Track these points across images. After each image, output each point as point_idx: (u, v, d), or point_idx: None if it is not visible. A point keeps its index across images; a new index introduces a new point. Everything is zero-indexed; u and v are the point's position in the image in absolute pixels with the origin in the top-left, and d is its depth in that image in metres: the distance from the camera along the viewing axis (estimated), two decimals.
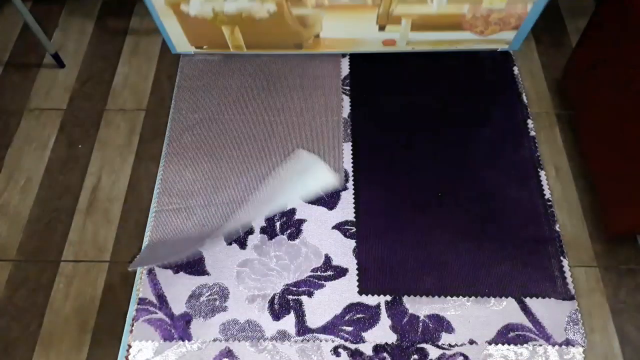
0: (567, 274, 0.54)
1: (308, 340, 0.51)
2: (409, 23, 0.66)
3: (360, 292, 0.53)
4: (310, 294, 0.53)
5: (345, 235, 0.57)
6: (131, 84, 1.56)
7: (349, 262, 0.55)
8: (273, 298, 0.53)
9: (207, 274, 0.55)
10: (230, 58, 0.72)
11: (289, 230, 0.57)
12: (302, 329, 0.51)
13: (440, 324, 0.52)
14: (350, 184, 0.61)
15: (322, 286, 0.54)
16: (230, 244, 0.56)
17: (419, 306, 0.53)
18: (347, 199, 0.60)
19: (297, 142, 0.64)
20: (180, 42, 0.70)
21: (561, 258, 0.55)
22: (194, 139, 0.65)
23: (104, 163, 1.41)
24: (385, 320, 0.52)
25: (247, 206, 0.56)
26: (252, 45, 0.70)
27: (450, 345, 0.51)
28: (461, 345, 0.51)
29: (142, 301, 0.53)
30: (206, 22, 0.65)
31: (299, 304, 0.53)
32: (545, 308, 0.53)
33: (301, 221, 0.58)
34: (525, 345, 0.51)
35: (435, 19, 0.65)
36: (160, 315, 0.52)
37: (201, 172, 0.62)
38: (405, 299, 0.53)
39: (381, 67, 0.71)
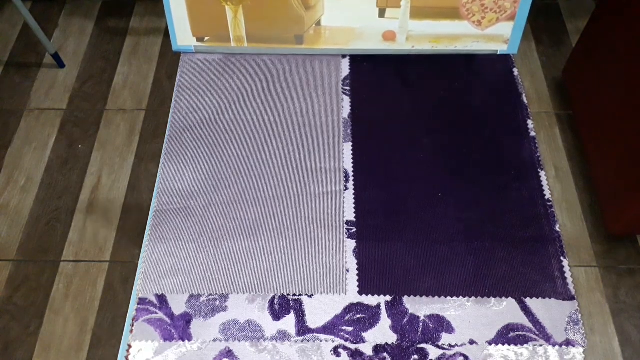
0: (567, 274, 0.54)
1: (308, 341, 0.51)
2: (408, 6, 0.67)
3: (360, 292, 0.53)
4: (310, 294, 0.53)
5: (346, 236, 0.57)
6: (131, 84, 1.56)
7: (350, 262, 0.55)
8: (273, 298, 0.53)
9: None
10: (230, 58, 0.72)
11: None
12: (302, 329, 0.51)
13: (441, 324, 0.52)
14: (350, 184, 0.61)
15: None
16: None
17: (419, 306, 0.53)
18: (348, 199, 0.60)
19: (297, 142, 0.64)
20: (182, 33, 0.70)
21: (561, 258, 0.55)
22: (194, 138, 0.65)
23: (104, 163, 1.41)
24: (385, 321, 0.52)
25: None
26: (253, 36, 0.71)
27: (450, 346, 0.51)
28: (461, 345, 0.51)
29: (142, 301, 0.53)
30: (211, 1, 0.67)
31: (299, 304, 0.53)
32: (545, 308, 0.53)
33: None
34: (525, 345, 0.51)
35: (434, 1, 0.67)
36: (160, 315, 0.52)
37: (201, 171, 0.62)
38: (405, 299, 0.53)
39: (381, 68, 0.71)
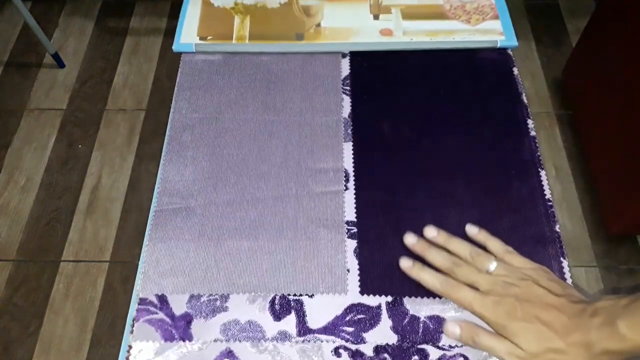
0: (567, 275, 0.54)
1: (309, 341, 0.51)
2: (399, 12, 0.74)
3: (361, 293, 0.53)
4: (311, 294, 0.53)
5: (346, 236, 0.57)
6: (131, 84, 1.56)
7: (350, 262, 0.55)
8: (274, 298, 0.53)
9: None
10: (230, 58, 0.72)
11: None
12: (303, 329, 0.51)
13: (441, 324, 0.52)
14: (351, 184, 0.61)
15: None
16: None
17: (420, 307, 0.53)
18: (348, 199, 0.60)
19: (297, 142, 0.64)
20: (188, 32, 0.73)
21: (561, 259, 0.55)
22: (194, 138, 0.65)
23: (104, 163, 1.41)
24: (386, 321, 0.52)
25: None
26: (256, 36, 0.72)
27: (450, 346, 0.51)
28: (461, 346, 0.51)
29: (142, 301, 0.53)
30: (224, 11, 0.74)
31: (300, 304, 0.53)
32: None
33: None
34: None
35: (421, 8, 0.75)
36: (161, 315, 0.52)
37: (201, 171, 0.62)
38: (406, 299, 0.53)
39: (381, 67, 0.71)
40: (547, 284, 0.49)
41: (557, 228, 0.57)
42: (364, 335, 0.51)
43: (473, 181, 0.61)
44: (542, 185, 0.61)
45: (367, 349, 0.51)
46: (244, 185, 0.61)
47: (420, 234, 0.57)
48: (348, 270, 0.55)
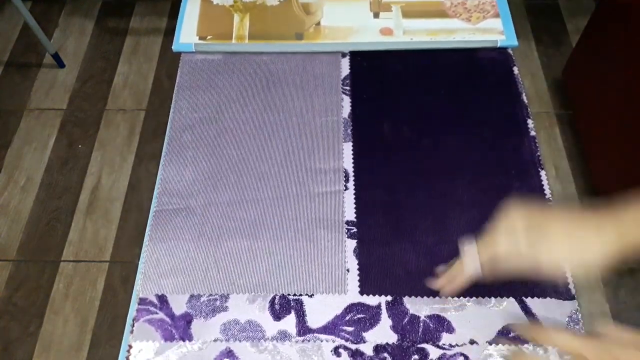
0: (568, 274, 0.54)
1: (309, 341, 0.51)
2: (399, 10, 0.75)
3: (361, 292, 0.53)
4: (311, 294, 0.53)
5: (346, 236, 0.57)
6: (131, 84, 1.56)
7: (350, 262, 0.55)
8: (274, 298, 0.53)
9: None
10: (230, 58, 0.72)
11: None
12: (303, 329, 0.51)
13: (441, 324, 0.52)
14: (350, 184, 0.61)
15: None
16: None
17: (420, 306, 0.53)
18: (348, 199, 0.60)
19: (297, 142, 0.64)
20: (188, 32, 0.73)
21: None
22: (194, 138, 0.65)
23: (104, 163, 1.41)
24: (385, 321, 0.52)
25: None
26: (255, 35, 0.72)
27: (450, 346, 0.51)
28: (462, 345, 0.51)
29: (142, 301, 0.53)
30: (223, 9, 0.75)
31: (300, 304, 0.53)
32: (545, 308, 0.53)
33: None
34: (525, 345, 0.51)
35: (422, 6, 0.75)
36: (161, 315, 0.52)
37: (201, 171, 0.62)
38: (405, 299, 0.53)
39: (381, 67, 0.71)
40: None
41: None
42: (364, 334, 0.51)
43: (473, 181, 0.61)
44: (542, 185, 0.61)
45: (367, 349, 0.51)
46: (244, 186, 0.61)
47: (419, 234, 0.57)
48: (348, 270, 0.55)
